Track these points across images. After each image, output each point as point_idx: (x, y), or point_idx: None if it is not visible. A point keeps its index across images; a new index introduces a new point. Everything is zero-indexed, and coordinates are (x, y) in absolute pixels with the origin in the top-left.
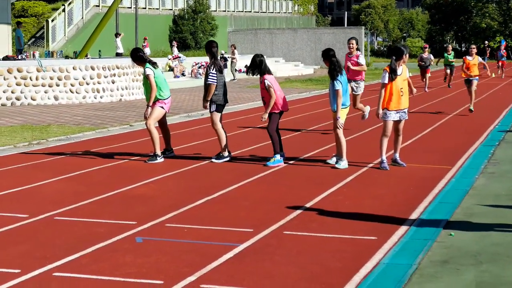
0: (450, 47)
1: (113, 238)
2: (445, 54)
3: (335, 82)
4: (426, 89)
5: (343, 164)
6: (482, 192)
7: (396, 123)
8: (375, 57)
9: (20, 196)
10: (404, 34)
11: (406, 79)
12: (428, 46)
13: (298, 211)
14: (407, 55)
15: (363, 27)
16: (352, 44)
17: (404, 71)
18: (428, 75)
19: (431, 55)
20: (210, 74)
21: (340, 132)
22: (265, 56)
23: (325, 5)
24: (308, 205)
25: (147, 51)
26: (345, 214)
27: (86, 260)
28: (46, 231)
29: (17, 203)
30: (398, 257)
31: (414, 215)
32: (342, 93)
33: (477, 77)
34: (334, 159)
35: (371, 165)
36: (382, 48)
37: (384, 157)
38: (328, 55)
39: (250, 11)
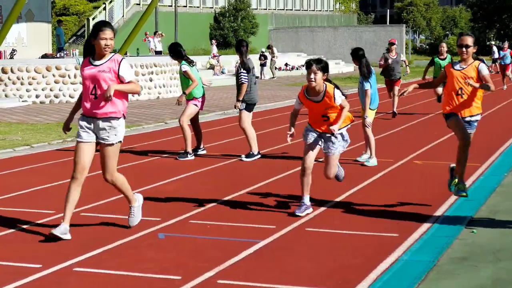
0: (444, 46)
1: (136, 234)
2: (436, 59)
3: (364, 82)
4: (395, 110)
5: (372, 161)
6: (509, 190)
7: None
8: (416, 54)
9: (49, 192)
10: (447, 32)
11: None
12: (396, 42)
13: (322, 208)
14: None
15: (404, 25)
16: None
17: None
18: (397, 88)
19: (402, 55)
20: (242, 74)
21: (369, 130)
22: (305, 54)
23: (368, 3)
24: (332, 202)
25: (159, 47)
26: (369, 211)
27: (107, 255)
28: (71, 228)
29: (46, 199)
30: (418, 254)
31: (438, 212)
32: (371, 93)
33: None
34: (364, 156)
35: (400, 162)
36: (424, 46)
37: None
38: (357, 55)
39: (291, 9)
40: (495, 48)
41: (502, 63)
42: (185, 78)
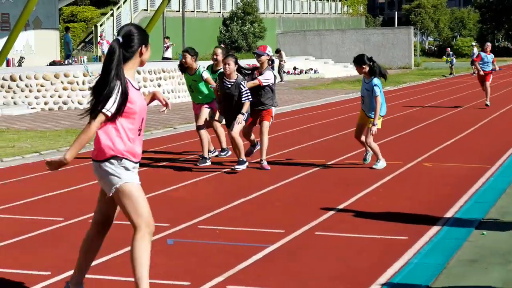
0: (219, 54)
1: None
2: (210, 72)
3: (374, 88)
4: (264, 161)
5: (380, 164)
6: None
7: None
8: (425, 57)
9: (58, 199)
10: (455, 34)
11: None
12: (266, 50)
13: (331, 212)
14: None
15: (412, 27)
16: None
17: None
18: (266, 123)
19: (269, 73)
20: (245, 92)
21: (370, 139)
22: (314, 57)
23: (376, 6)
24: (342, 206)
25: (169, 53)
26: (378, 215)
27: (115, 262)
28: (79, 234)
29: (54, 206)
30: (428, 257)
31: (448, 215)
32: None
33: None
34: (368, 156)
35: (409, 165)
36: (433, 47)
37: None
38: (363, 61)
39: (299, 13)
40: (475, 50)
41: (489, 70)
42: (201, 85)
